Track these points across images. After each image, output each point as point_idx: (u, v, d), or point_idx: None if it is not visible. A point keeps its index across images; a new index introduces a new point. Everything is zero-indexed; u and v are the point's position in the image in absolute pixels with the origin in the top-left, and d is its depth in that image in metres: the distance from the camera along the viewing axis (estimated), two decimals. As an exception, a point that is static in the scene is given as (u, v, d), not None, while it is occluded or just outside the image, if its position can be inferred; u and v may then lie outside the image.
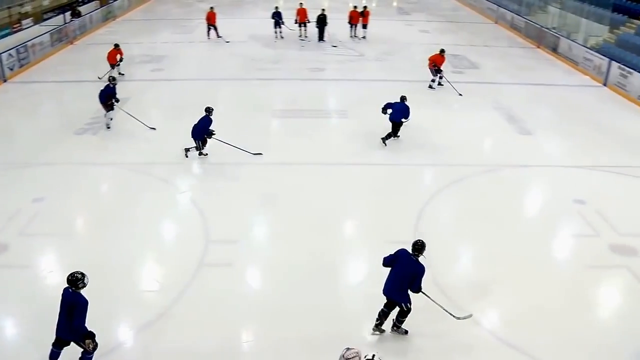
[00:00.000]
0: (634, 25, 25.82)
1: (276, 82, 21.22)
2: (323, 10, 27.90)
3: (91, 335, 7.61)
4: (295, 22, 28.21)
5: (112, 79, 16.70)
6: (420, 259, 8.52)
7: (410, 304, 8.57)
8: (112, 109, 16.48)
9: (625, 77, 21.83)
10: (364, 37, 29.03)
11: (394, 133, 15.92)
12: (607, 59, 23.08)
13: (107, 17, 32.56)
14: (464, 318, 8.81)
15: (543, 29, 29.49)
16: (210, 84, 21.22)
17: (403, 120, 15.74)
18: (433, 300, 8.76)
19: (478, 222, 12.36)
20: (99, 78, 19.60)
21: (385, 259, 8.76)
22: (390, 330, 8.91)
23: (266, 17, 29.19)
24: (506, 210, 12.92)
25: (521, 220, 12.85)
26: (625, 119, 19.25)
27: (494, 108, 19.17)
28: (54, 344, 7.83)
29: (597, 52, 24.54)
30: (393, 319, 8.83)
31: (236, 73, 22.59)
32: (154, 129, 16.47)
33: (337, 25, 28.86)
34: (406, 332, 8.87)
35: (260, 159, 14.77)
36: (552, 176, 14.75)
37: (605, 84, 22.87)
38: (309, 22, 28.09)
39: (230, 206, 12.67)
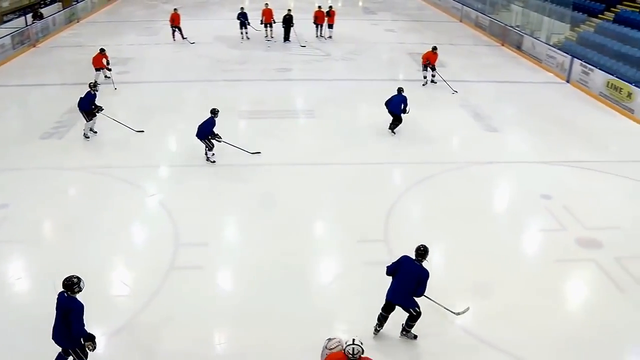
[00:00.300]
0: (593, 24, 26.37)
1: (243, 83, 21.15)
2: (289, 10, 27.89)
3: (91, 338, 7.45)
4: (261, 23, 28.13)
5: (94, 85, 16.27)
6: (424, 263, 8.55)
7: (418, 307, 8.56)
8: (94, 116, 15.91)
9: (587, 74, 22.24)
10: (330, 37, 29.08)
11: (393, 126, 16.48)
12: (569, 57, 23.49)
13: (71, 19, 32.08)
14: (463, 312, 8.84)
15: (507, 27, 29.89)
16: (177, 85, 21.06)
17: (402, 113, 16.27)
18: (433, 301, 8.78)
19: (447, 219, 12.46)
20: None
21: (388, 267, 8.72)
22: (399, 335, 8.89)
23: (232, 18, 29.05)
24: (475, 207, 13.05)
25: (490, 216, 12.99)
26: (589, 115, 19.63)
27: (461, 106, 19.37)
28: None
29: (559, 49, 24.97)
30: (402, 324, 8.81)
31: (202, 74, 22.45)
32: (142, 131, 16.25)
33: (303, 26, 28.84)
34: (415, 336, 8.84)
35: (229, 161, 14.69)
36: (519, 172, 14.95)
37: (568, 81, 23.28)
38: (274, 22, 28.04)
39: (199, 208, 12.57)
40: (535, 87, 22.37)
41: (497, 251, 11.27)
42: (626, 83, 20.05)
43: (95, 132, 16.22)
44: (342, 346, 6.61)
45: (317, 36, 29.17)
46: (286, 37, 28.01)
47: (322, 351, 7.19)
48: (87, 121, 15.92)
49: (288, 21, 27.60)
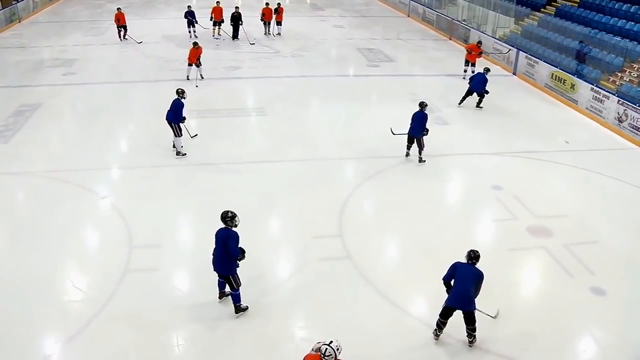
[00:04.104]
0: (536, 17, 27.01)
1: (192, 82, 20.88)
2: (237, 8, 27.73)
3: (242, 251, 8.85)
4: (211, 20, 27.81)
5: (182, 92, 14.62)
6: (477, 265, 8.66)
7: (475, 307, 8.62)
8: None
9: (532, 66, 22.79)
10: (278, 34, 29.01)
11: (419, 147, 14.80)
12: (515, 49, 24.00)
13: (12, 20, 31.14)
14: (497, 315, 8.99)
15: (454, 21, 30.35)
16: (125, 86, 20.69)
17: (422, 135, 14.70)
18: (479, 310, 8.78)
19: (401, 212, 12.61)
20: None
21: (445, 277, 8.76)
22: (469, 344, 8.87)
23: (179, 17, 28.73)
24: (427, 200, 13.24)
25: (443, 208, 13.19)
26: (535, 106, 20.11)
27: (410, 100, 19.53)
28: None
29: (505, 42, 25.49)
30: (466, 334, 8.82)
31: (150, 75, 22.11)
32: (195, 135, 15.32)
33: (252, 23, 28.71)
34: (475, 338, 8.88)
35: (181, 161, 14.54)
36: (470, 164, 15.21)
37: (514, 73, 23.80)
38: (223, 21, 27.81)
39: (152, 210, 12.40)
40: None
41: (450, 242, 11.41)
42: (569, 75, 20.62)
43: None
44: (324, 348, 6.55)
45: (265, 33, 29.07)
46: (235, 35, 27.82)
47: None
48: (176, 135, 14.66)
49: (236, 19, 27.41)
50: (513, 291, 10.28)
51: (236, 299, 9.16)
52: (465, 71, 22.50)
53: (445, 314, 8.74)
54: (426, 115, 14.57)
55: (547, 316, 9.64)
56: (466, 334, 8.82)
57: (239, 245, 8.83)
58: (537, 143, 16.52)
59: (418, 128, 14.54)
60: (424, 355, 8.76)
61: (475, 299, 8.56)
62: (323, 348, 6.43)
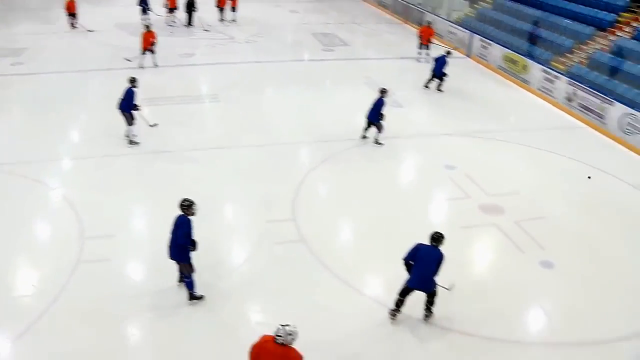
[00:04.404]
0: (490, 0, 27.26)
1: (146, 70, 20.61)
2: (191, -6, 27.40)
3: (192, 243, 8.81)
4: (165, 7, 27.43)
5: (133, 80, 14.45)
6: (440, 247, 8.72)
7: (435, 287, 8.75)
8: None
9: (485, 48, 23.09)
10: (233, 21, 28.79)
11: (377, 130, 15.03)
12: (468, 32, 24.27)
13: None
14: (453, 287, 8.99)
15: (409, 5, 30.48)
16: (77, 76, 20.23)
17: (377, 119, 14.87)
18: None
19: (356, 195, 12.70)
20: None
21: (406, 257, 8.79)
22: (424, 319, 9.04)
23: (132, 5, 28.22)
24: (382, 182, 13.36)
25: (397, 190, 13.34)
26: (488, 87, 20.45)
27: (365, 83, 19.63)
28: None
29: (460, 25, 25.73)
30: (424, 308, 8.97)
31: (103, 63, 21.65)
32: (156, 125, 14.94)
33: (207, 10, 28.40)
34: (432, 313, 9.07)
35: (134, 150, 14.36)
36: (424, 145, 15.39)
37: (469, 56, 24.07)
38: (177, 8, 27.47)
39: (104, 200, 12.18)
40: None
41: (405, 222, 11.58)
42: (521, 56, 20.95)
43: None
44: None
45: (220, 20, 28.81)
46: (189, 22, 27.51)
47: None
48: (129, 124, 14.54)
49: (191, 5, 27.11)
50: (467, 268, 10.46)
51: (189, 285, 9.12)
52: (419, 54, 22.67)
53: (405, 293, 8.84)
54: (384, 101, 14.70)
55: (500, 291, 9.89)
56: (424, 308, 8.96)
57: (193, 237, 8.78)
58: (490, 123, 16.79)
59: (374, 113, 14.70)
60: (382, 334, 8.87)
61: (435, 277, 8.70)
62: (277, 329, 6.42)
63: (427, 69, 20.80)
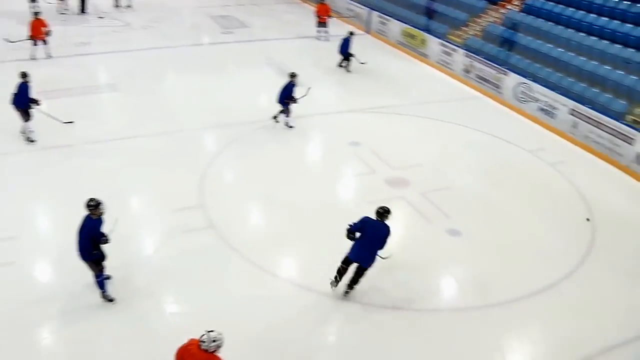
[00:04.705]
0: (386, -25, 27.51)
1: (38, 61, 19.50)
2: (84, -20, 26.14)
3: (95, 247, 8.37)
4: (55, -5, 26.06)
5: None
6: (386, 221, 8.62)
7: (374, 262, 8.73)
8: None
9: (384, 24, 23.31)
10: (129, 6, 27.65)
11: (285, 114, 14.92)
12: (367, 9, 24.42)
13: None
14: (389, 256, 8.98)
15: (306, -16, 30.35)
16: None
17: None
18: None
19: (263, 176, 12.53)
20: None
21: (352, 227, 8.68)
22: (344, 293, 8.99)
23: (18, -9, 26.66)
24: (290, 162, 13.25)
25: (304, 169, 13.29)
26: (388, 62, 20.64)
27: (267, 64, 19.41)
28: None
29: (358, 3, 25.81)
30: (347, 284, 8.92)
31: (-11, 55, 20.38)
32: (71, 122, 14.10)
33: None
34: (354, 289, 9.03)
35: (33, 146, 13.47)
36: (328, 123, 15.39)
37: (368, 32, 24.23)
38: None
39: (4, 198, 11.44)
40: (337, 40, 22.75)
41: (313, 201, 11.54)
42: (419, 31, 21.29)
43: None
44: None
45: (115, 6, 27.62)
46: (82, 9, 26.27)
47: None
48: (25, 120, 13.64)
49: (84, -8, 25.88)
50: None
51: (99, 285, 8.72)
52: (318, 32, 22.66)
53: (348, 262, 8.85)
54: (294, 85, 14.61)
55: (413, 262, 10.02)
56: (347, 283, 8.96)
57: (103, 232, 8.37)
58: (392, 98, 16.98)
59: (281, 96, 14.59)
60: (299, 314, 8.81)
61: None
62: (202, 334, 6.21)
63: (327, 47, 20.83)
